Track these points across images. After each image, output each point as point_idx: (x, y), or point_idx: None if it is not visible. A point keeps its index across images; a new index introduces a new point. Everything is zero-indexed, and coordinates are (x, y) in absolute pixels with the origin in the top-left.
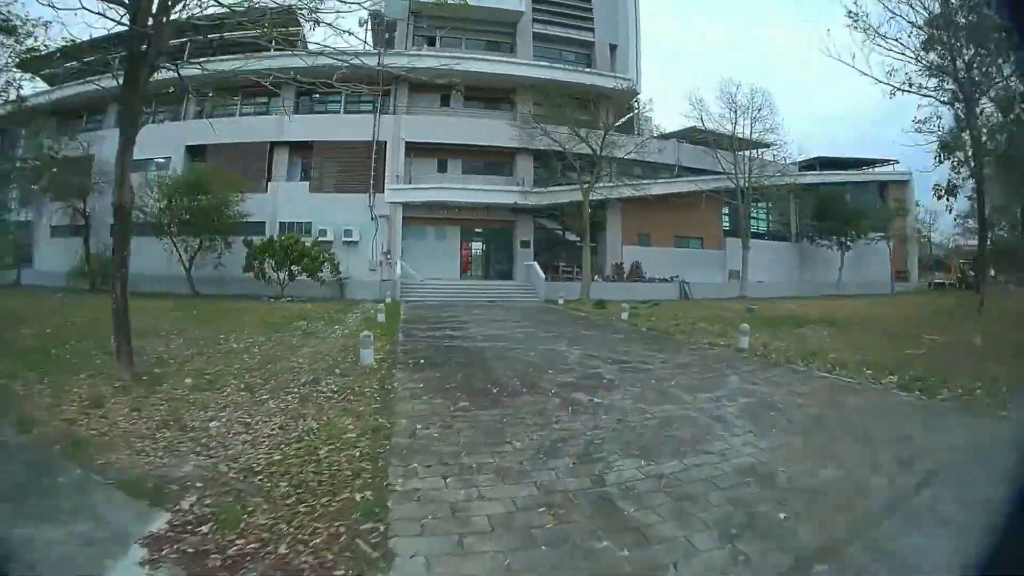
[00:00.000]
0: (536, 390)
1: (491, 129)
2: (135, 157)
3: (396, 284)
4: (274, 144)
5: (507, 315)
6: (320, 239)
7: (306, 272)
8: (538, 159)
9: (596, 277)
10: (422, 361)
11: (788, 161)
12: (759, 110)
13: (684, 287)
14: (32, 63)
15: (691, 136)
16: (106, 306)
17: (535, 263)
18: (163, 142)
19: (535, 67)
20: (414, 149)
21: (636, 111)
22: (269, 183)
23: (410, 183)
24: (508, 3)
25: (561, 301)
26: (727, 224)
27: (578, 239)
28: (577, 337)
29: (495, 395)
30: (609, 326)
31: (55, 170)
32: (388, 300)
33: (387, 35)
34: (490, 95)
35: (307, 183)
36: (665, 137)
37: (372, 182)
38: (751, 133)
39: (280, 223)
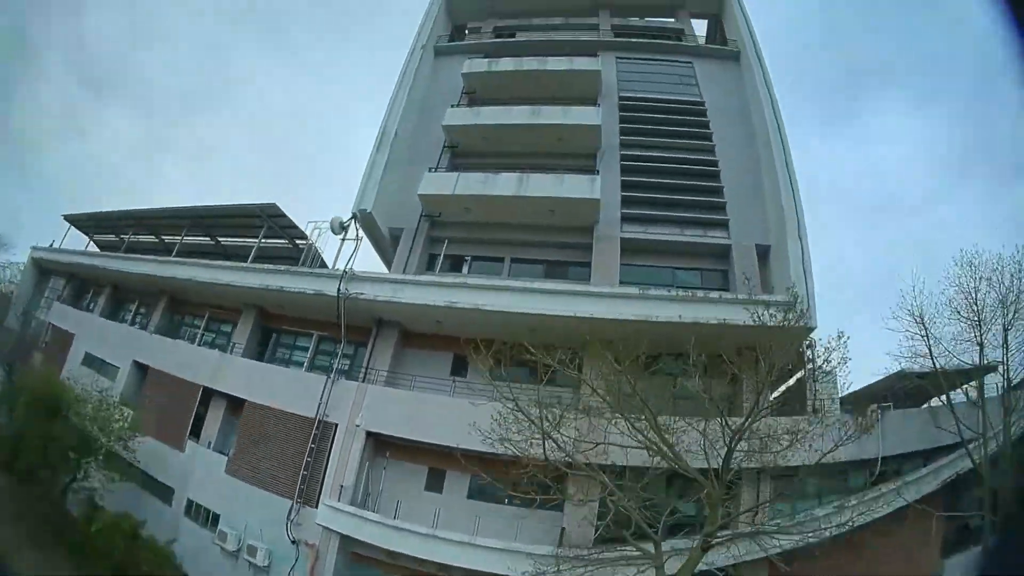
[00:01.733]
0: None
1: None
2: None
3: None
4: (210, 392)
5: None
6: (220, 545)
7: None
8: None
9: None
10: None
11: None
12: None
13: None
14: (75, 218)
15: (895, 388)
16: None
17: None
18: (116, 347)
19: (616, 299)
20: (391, 445)
21: (809, 366)
22: (190, 442)
23: (372, 507)
24: (575, 189)
25: None
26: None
27: None
28: None
29: None
30: None
31: None
32: None
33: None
34: (532, 355)
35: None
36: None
37: (301, 486)
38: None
39: (189, 500)
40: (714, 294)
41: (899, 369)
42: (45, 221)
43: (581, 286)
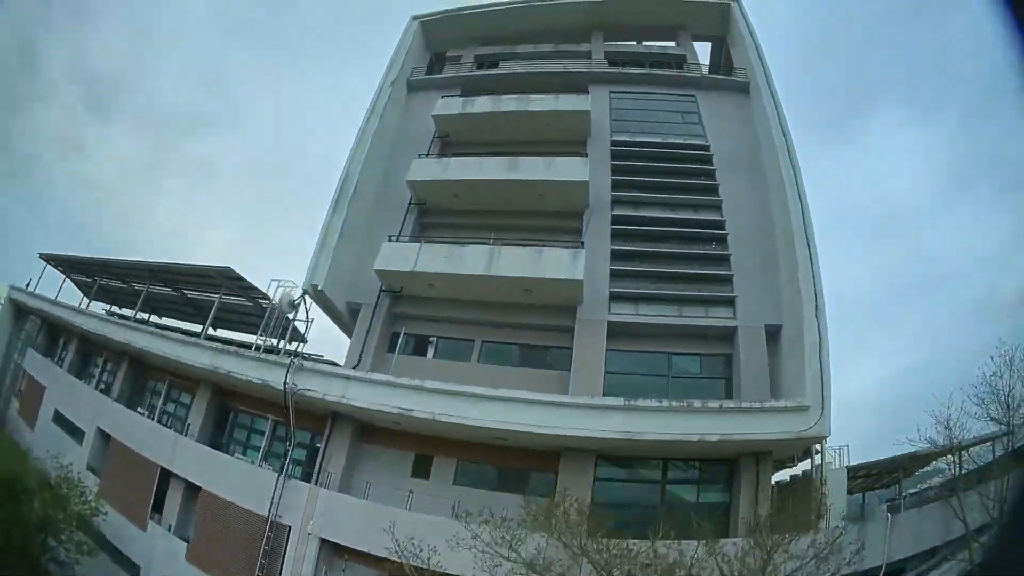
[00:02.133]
0: None
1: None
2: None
3: None
4: (169, 474)
5: None
6: None
7: None
8: None
9: None
10: None
11: None
12: None
13: None
14: (51, 257)
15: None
16: None
17: None
18: (82, 410)
19: (596, 411)
20: (348, 551)
21: (819, 484)
22: (152, 522)
23: None
24: (555, 267)
25: None
26: None
27: None
28: None
29: None
30: None
31: None
32: None
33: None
34: (516, 463)
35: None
36: None
37: None
38: None
39: None
40: (713, 403)
41: (913, 451)
42: (37, 240)
43: (553, 396)
